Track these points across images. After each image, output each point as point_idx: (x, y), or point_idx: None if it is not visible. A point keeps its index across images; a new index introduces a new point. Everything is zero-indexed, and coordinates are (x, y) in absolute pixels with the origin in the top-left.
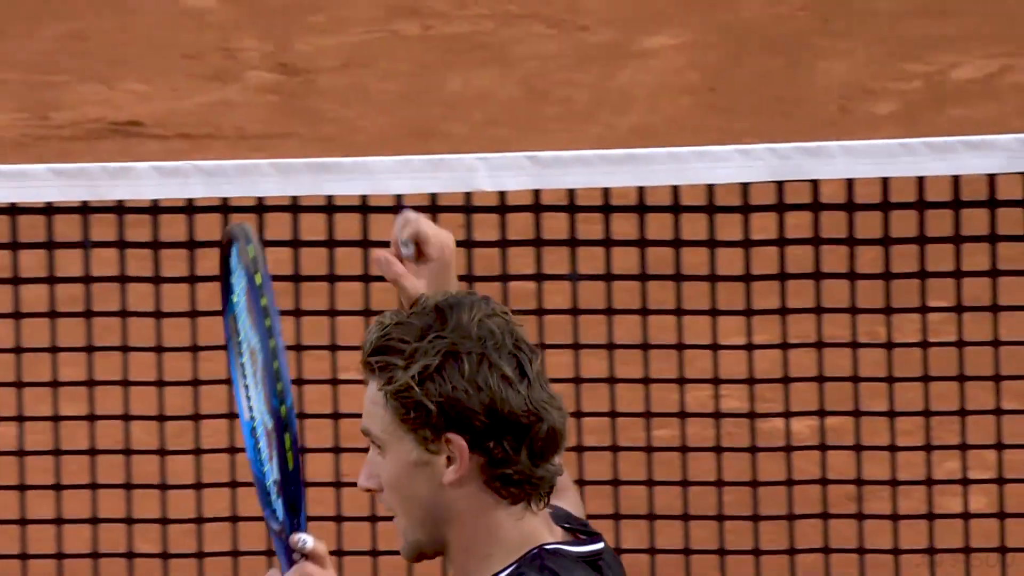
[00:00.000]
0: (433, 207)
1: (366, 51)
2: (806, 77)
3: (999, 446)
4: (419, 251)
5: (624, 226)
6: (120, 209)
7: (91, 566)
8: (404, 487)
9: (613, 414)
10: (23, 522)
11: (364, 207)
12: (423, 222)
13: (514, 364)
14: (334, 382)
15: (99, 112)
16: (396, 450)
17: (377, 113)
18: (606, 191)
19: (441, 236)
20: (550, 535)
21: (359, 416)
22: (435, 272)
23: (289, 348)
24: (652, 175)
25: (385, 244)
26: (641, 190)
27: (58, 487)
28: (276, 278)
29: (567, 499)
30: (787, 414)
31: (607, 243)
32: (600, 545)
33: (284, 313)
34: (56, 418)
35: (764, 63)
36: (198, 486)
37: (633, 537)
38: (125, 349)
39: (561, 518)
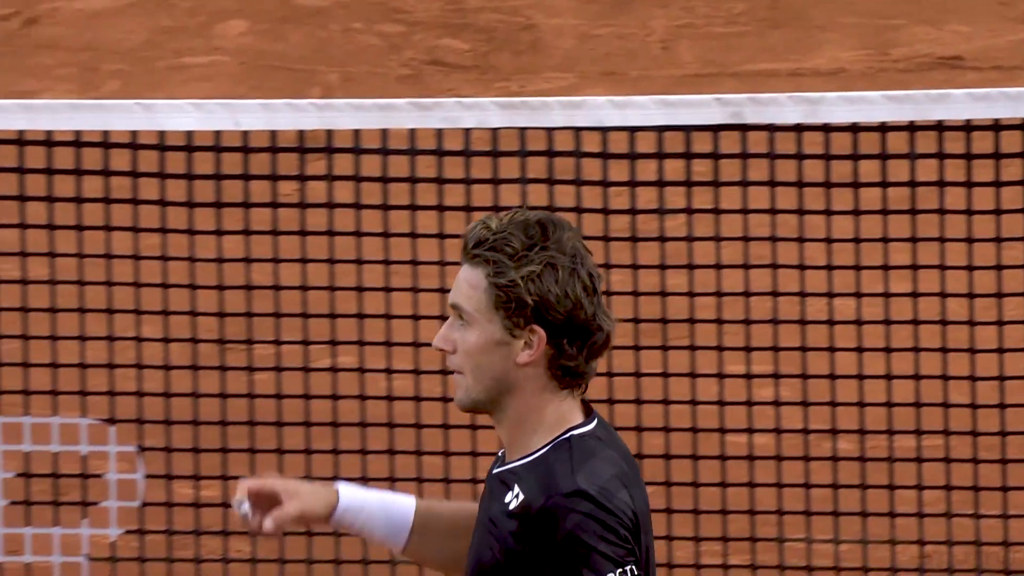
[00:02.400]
0: None
1: None
2: None
3: None
4: (267, 501)
5: None
6: (939, 127)
7: None
8: (482, 358)
9: None
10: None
11: None
12: (253, 488)
13: (591, 281)
14: None
15: (928, 49)
16: (483, 328)
17: None
18: None
19: (269, 484)
20: (579, 416)
21: None
22: (303, 493)
23: None
24: None
25: None
26: None
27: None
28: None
29: None
30: None
31: None
32: (597, 418)
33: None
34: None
35: None
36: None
37: None
38: (942, 240)
39: None
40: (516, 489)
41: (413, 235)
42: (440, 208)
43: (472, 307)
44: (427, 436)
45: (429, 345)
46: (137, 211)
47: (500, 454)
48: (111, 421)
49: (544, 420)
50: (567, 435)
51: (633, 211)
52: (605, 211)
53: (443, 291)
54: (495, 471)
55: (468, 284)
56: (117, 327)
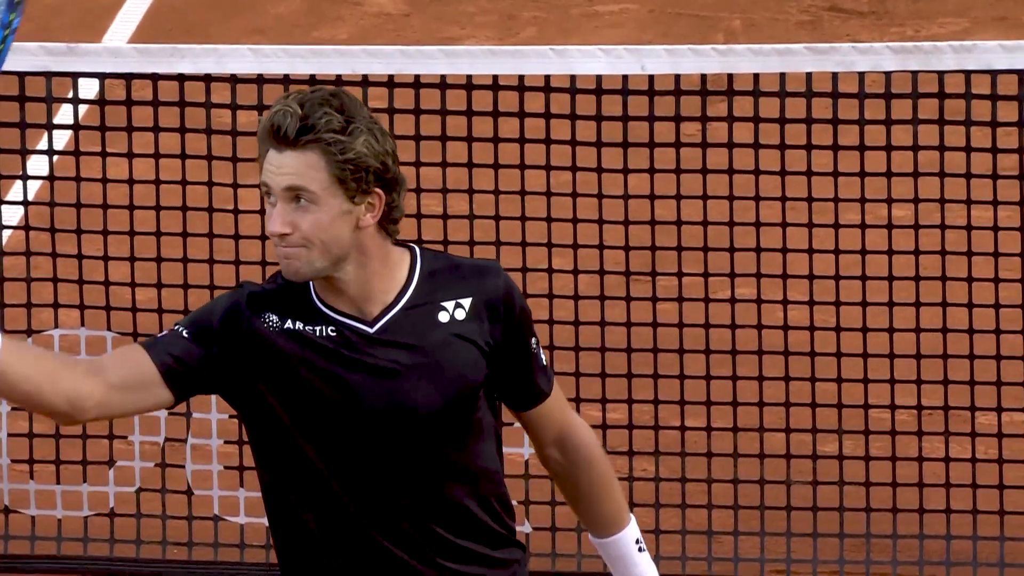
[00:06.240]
0: None
1: None
2: None
3: None
4: None
5: None
6: None
7: None
8: (332, 231)
9: None
10: None
11: None
12: None
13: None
14: None
15: None
16: (330, 204)
17: None
18: None
19: None
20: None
21: None
22: None
23: None
24: None
25: None
26: None
27: None
28: None
29: None
30: None
31: None
32: None
33: None
34: None
35: None
36: None
37: None
38: None
39: None
40: (448, 303)
41: (808, 173)
42: (859, 148)
43: (317, 187)
44: (822, 363)
45: (823, 277)
46: (550, 150)
47: (335, 318)
48: None
49: (389, 263)
50: (417, 252)
51: (1021, 150)
52: (994, 151)
53: (838, 226)
54: (381, 323)
55: (307, 166)
56: (530, 260)
